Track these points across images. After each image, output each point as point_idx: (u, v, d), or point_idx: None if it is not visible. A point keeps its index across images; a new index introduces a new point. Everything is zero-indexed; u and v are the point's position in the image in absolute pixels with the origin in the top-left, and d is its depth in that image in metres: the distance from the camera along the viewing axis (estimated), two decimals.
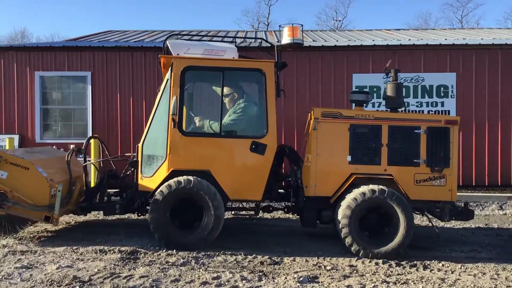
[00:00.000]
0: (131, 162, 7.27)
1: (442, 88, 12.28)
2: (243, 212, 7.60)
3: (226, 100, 7.21)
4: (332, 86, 12.18)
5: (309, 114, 7.16)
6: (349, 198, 6.57)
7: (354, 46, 12.61)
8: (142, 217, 8.04)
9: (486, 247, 7.30)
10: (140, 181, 7.04)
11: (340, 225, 6.56)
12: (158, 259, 6.25)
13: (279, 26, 7.48)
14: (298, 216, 7.75)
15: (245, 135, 6.95)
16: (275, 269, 5.95)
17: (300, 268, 6.04)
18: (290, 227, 8.46)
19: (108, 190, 7.76)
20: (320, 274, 5.82)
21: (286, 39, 7.22)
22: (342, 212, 6.54)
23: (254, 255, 6.48)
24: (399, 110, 7.33)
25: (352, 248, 6.55)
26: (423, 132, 6.85)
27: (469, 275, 5.90)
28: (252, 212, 7.37)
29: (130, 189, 7.41)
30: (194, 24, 71.01)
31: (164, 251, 6.55)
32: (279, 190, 7.50)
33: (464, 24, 46.03)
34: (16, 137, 12.21)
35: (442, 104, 12.25)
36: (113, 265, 5.91)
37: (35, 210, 6.63)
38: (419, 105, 12.30)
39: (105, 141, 8.53)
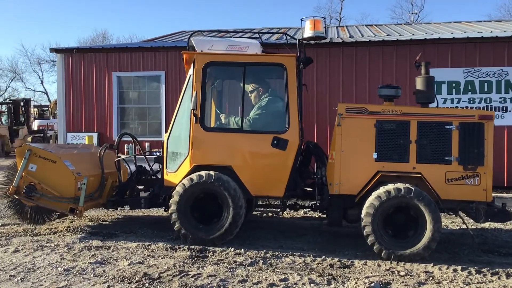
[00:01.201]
0: (157, 158, 7.43)
1: None
2: (270, 209, 7.67)
3: (249, 95, 7.23)
4: (407, 81, 11.69)
5: None
6: (373, 196, 6.29)
7: (432, 39, 12.02)
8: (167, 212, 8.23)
9: None
10: (165, 176, 7.15)
11: (362, 223, 6.32)
12: (226, 258, 6.24)
13: (301, 19, 7.33)
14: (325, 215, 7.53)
15: (266, 130, 6.85)
16: (345, 273, 5.76)
17: (371, 272, 5.80)
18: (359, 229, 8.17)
19: (140, 186, 8.05)
20: (393, 280, 5.55)
21: (308, 32, 7.12)
22: (365, 210, 6.28)
23: (323, 257, 6.32)
24: (431, 105, 6.98)
25: (374, 248, 6.29)
26: (455, 128, 6.42)
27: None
28: (278, 210, 7.33)
29: (158, 185, 7.55)
30: (266, 22, 71.32)
31: (232, 250, 6.54)
32: (306, 188, 7.40)
33: None
34: (95, 135, 12.76)
35: None
36: (182, 263, 5.96)
37: (61, 202, 6.96)
38: (503, 101, 11.53)
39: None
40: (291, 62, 6.87)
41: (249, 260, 6.15)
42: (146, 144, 11.39)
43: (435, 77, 10.50)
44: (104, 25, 78.84)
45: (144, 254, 6.36)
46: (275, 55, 7.14)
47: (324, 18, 7.31)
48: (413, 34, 13.56)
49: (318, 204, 7.00)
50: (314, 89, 11.77)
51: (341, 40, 12.45)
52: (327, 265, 6.03)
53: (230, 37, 7.76)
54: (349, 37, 13.82)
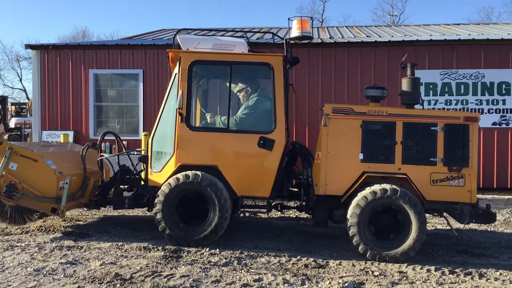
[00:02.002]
0: (141, 157, 7.37)
1: (503, 85, 11.59)
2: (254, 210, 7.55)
3: (236, 95, 7.25)
4: (386, 83, 11.75)
5: None
6: (359, 197, 6.30)
7: (410, 41, 12.09)
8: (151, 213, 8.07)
9: None
10: (149, 176, 7.05)
11: (348, 223, 6.32)
12: (201, 258, 6.17)
13: (288, 18, 7.36)
14: (310, 216, 7.57)
15: (253, 130, 6.80)
16: (320, 273, 5.74)
17: (346, 273, 5.80)
18: (339, 229, 8.16)
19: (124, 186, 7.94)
20: (366, 280, 5.55)
21: (294, 32, 7.13)
22: (351, 210, 6.28)
23: (298, 257, 6.30)
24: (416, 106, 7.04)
25: (360, 248, 6.28)
26: (440, 129, 6.47)
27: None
28: (264, 210, 7.24)
29: (141, 184, 7.49)
30: (248, 21, 71.26)
31: (207, 250, 6.48)
32: (292, 189, 7.37)
33: None
34: (71, 133, 12.55)
35: (504, 102, 11.56)
36: (155, 263, 5.88)
37: (42, 201, 6.81)
38: (479, 103, 11.66)
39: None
40: (278, 62, 6.82)
41: (224, 260, 6.09)
42: (123, 143, 11.23)
43: None
44: (85, 23, 77.78)
45: (117, 254, 6.26)
46: (262, 55, 7.09)
47: (312, 18, 7.29)
48: (392, 36, 13.63)
49: (304, 205, 6.98)
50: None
51: (320, 41, 12.46)
52: (302, 265, 6.00)
53: (216, 36, 7.73)
54: (329, 38, 13.84)
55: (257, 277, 5.49)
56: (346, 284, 5.30)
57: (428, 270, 5.92)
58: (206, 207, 6.61)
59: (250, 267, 5.87)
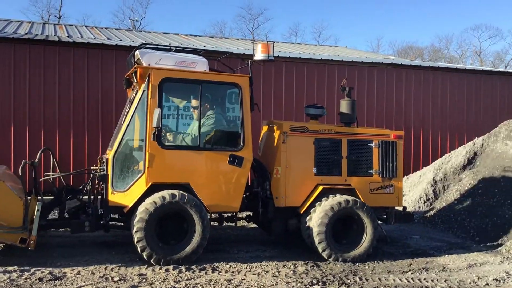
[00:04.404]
0: (100, 176, 6.74)
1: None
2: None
3: (199, 112, 6.97)
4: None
5: (266, 127, 7.78)
6: (327, 207, 6.92)
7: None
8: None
9: (269, 246, 7.77)
10: (110, 196, 6.56)
11: (315, 231, 6.87)
12: None
13: (252, 42, 7.56)
14: (257, 225, 8.18)
15: (223, 148, 6.98)
16: (56, 285, 5.44)
17: (85, 282, 5.62)
18: (78, 238, 7.78)
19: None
20: (106, 286, 5.48)
21: (259, 55, 7.14)
22: (320, 220, 6.87)
23: (32, 271, 5.86)
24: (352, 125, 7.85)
25: (325, 253, 6.88)
26: (375, 146, 7.48)
27: (253, 274, 6.18)
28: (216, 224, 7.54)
29: (94, 205, 6.98)
30: None
31: None
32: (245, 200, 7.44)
33: (255, 36, 49.33)
34: None
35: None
36: None
37: (9, 232, 5.97)
38: None
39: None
40: (245, 82, 7.02)
41: None
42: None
43: None
44: None
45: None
46: (230, 75, 7.28)
47: (273, 42, 7.60)
48: (133, 41, 13.78)
49: (260, 216, 7.35)
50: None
51: (57, 39, 11.79)
52: (36, 279, 5.60)
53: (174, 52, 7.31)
54: (67, 36, 13.21)
55: None
56: None
57: (167, 270, 6.17)
58: (182, 226, 6.56)
59: None
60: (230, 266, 6.48)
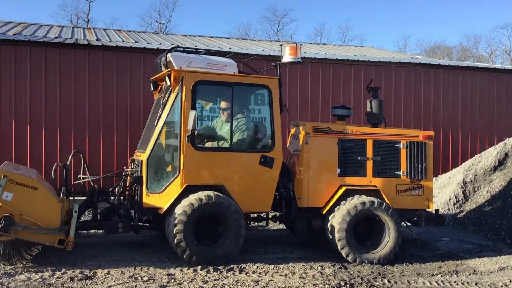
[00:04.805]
0: (135, 178, 6.77)
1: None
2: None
3: (230, 114, 7.05)
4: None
5: (293, 128, 7.77)
6: (348, 208, 6.88)
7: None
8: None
9: (296, 247, 7.75)
10: (145, 198, 6.65)
11: (337, 235, 6.85)
12: None
13: (280, 45, 7.54)
14: (285, 226, 8.18)
15: (254, 149, 7.12)
16: (87, 285, 5.54)
17: (115, 281, 5.71)
18: (104, 239, 7.88)
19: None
20: (136, 286, 5.56)
21: (287, 57, 7.24)
22: (341, 220, 6.84)
23: (63, 271, 5.97)
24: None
25: (344, 252, 6.86)
26: (403, 146, 7.38)
27: (280, 275, 6.18)
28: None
29: (125, 206, 7.08)
30: (4, 15, 64.26)
31: None
32: None
33: (279, 38, 49.33)
34: None
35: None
36: None
37: (48, 234, 6.07)
38: None
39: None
40: (275, 84, 7.10)
41: None
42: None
43: None
44: None
45: None
46: (260, 77, 7.34)
47: (301, 44, 7.63)
48: (160, 44, 13.94)
49: (284, 216, 7.40)
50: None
51: (87, 43, 12.02)
52: (67, 279, 5.71)
53: (204, 54, 7.40)
54: (96, 40, 13.45)
55: None
56: None
57: (195, 270, 6.22)
58: (218, 226, 6.66)
59: (8, 286, 5.34)
60: (257, 267, 6.49)
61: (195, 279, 5.90)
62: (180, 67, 6.82)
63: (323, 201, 7.24)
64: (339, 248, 6.90)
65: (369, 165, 7.39)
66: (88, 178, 7.35)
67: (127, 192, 7.24)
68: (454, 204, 10.75)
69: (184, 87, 6.71)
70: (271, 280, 5.95)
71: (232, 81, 7.04)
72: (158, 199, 6.71)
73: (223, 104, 7.31)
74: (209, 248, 6.63)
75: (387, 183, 7.41)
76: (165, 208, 6.61)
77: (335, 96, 12.75)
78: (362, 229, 7.10)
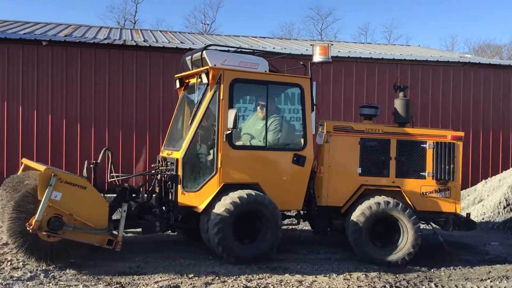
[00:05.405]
0: (170, 176, 6.77)
1: None
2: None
3: (265, 112, 7.10)
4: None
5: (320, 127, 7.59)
6: (364, 206, 6.81)
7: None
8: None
9: (340, 248, 7.68)
10: (180, 197, 6.68)
11: (351, 233, 6.84)
12: (1, 273, 5.61)
13: (311, 45, 7.61)
14: (309, 224, 8.09)
15: (287, 148, 7.14)
16: (134, 280, 5.67)
17: (161, 277, 5.82)
18: (153, 235, 8.04)
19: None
20: (181, 282, 5.66)
21: (318, 57, 7.27)
22: (356, 220, 6.80)
23: (111, 265, 6.12)
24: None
25: (362, 257, 6.84)
26: (429, 147, 7.21)
27: (324, 276, 6.15)
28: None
29: (162, 205, 7.06)
30: (54, 17, 66.52)
31: (9, 264, 5.91)
32: None
33: (323, 37, 48.91)
34: None
35: None
36: None
37: (97, 234, 5.93)
38: None
39: None
40: (307, 83, 7.16)
41: (29, 274, 5.63)
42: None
43: None
44: None
45: None
46: (293, 76, 7.36)
47: (332, 44, 7.65)
48: (193, 44, 14.09)
49: (304, 215, 7.47)
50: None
51: (134, 44, 12.30)
52: (115, 273, 5.85)
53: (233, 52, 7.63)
54: (143, 41, 13.74)
55: None
56: None
57: (239, 268, 6.26)
58: (256, 224, 6.71)
59: (59, 280, 5.53)
60: (301, 267, 6.49)
61: (239, 277, 5.94)
62: (215, 65, 6.85)
63: (343, 200, 7.19)
64: (353, 247, 6.92)
65: (392, 165, 7.25)
66: (122, 176, 7.45)
67: (157, 190, 7.23)
68: (505, 208, 10.40)
69: (222, 85, 6.73)
70: (315, 281, 5.93)
71: (267, 80, 7.08)
72: (194, 197, 6.71)
73: (260, 102, 7.33)
74: (249, 246, 6.66)
75: (411, 184, 7.25)
76: (202, 207, 6.63)
77: (380, 96, 12.55)
78: (380, 230, 7.02)
